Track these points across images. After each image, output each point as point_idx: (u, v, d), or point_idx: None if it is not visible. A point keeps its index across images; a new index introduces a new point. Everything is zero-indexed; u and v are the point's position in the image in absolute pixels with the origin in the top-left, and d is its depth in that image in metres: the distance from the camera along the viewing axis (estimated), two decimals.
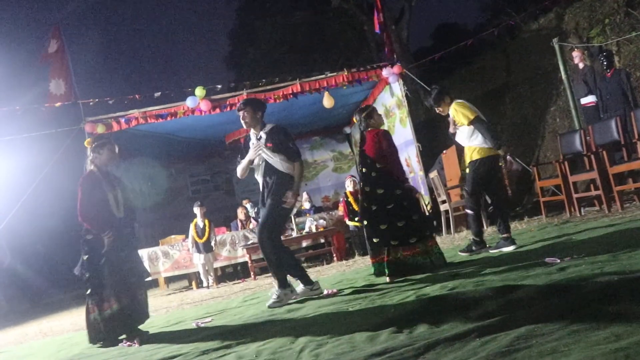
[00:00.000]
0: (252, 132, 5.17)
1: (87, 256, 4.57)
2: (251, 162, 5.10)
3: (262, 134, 5.07)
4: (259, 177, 5.13)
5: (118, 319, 4.51)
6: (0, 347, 6.12)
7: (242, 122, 5.17)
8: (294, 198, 5.10)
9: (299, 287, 5.07)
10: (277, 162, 4.99)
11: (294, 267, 5.10)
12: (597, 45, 9.46)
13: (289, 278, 5.06)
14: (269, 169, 5.02)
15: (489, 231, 7.59)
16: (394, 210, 5.16)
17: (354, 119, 5.54)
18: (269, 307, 4.83)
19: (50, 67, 9.95)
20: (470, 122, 5.50)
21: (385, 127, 11.81)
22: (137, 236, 4.92)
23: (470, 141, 5.60)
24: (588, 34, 10.70)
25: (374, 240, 5.20)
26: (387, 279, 5.00)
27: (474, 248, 5.67)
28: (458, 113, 5.58)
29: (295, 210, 5.57)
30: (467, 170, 5.69)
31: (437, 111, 5.90)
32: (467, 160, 5.70)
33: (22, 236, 13.24)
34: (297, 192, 5.12)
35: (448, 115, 5.81)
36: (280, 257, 5.00)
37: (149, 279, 9.39)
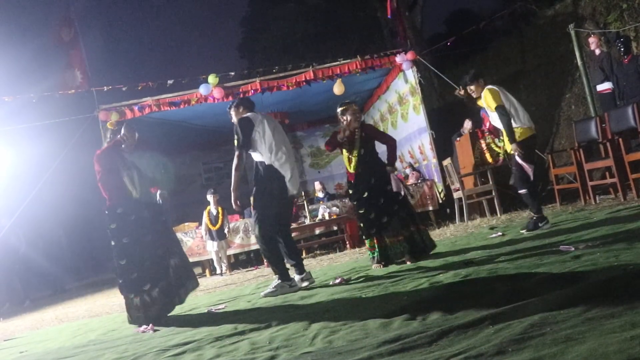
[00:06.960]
0: None
1: (113, 242, 4.63)
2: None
3: None
4: None
5: (156, 303, 4.58)
6: (17, 333, 6.22)
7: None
8: (233, 199, 5.01)
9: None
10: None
11: (290, 254, 5.16)
12: (615, 31, 9.32)
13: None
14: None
15: (503, 218, 7.55)
16: (386, 203, 5.36)
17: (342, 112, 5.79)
18: (263, 296, 4.90)
19: (68, 57, 9.97)
20: (495, 109, 5.64)
21: (398, 115, 11.91)
22: (165, 219, 4.94)
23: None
24: (605, 19, 10.53)
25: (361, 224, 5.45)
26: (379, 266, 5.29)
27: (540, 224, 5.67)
28: (486, 99, 5.73)
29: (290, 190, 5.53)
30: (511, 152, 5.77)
31: (469, 90, 5.97)
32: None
33: (38, 224, 13.35)
34: (233, 189, 5.01)
35: (475, 98, 6.01)
36: (278, 251, 5.05)
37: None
